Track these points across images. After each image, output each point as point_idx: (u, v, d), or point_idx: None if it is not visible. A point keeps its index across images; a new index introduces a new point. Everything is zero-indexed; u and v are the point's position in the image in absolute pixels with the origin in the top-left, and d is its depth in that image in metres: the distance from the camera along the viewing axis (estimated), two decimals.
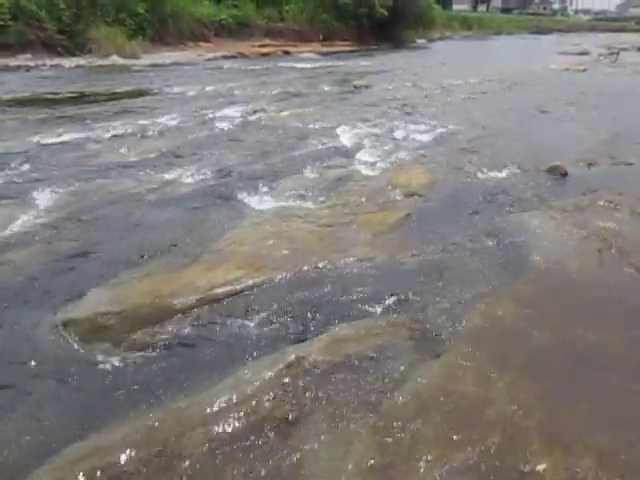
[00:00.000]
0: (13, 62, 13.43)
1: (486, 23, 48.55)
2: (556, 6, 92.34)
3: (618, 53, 21.22)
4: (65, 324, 2.68)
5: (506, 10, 72.99)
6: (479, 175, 5.23)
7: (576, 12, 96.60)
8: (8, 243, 3.61)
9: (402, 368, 2.38)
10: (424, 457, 1.90)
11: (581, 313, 2.88)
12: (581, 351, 2.55)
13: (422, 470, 1.86)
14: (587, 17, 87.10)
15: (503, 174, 5.25)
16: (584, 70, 15.55)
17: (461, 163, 5.61)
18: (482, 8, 69.82)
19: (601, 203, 4.42)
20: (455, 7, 56.93)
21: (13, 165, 5.26)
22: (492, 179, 5.12)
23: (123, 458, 1.89)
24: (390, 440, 1.98)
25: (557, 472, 1.85)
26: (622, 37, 37.57)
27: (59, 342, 2.57)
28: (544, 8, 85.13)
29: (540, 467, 1.87)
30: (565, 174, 5.22)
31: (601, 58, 20.72)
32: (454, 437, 2.00)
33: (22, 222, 3.93)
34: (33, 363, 2.44)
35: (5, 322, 2.73)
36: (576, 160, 5.71)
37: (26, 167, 5.25)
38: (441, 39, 34.06)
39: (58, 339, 2.59)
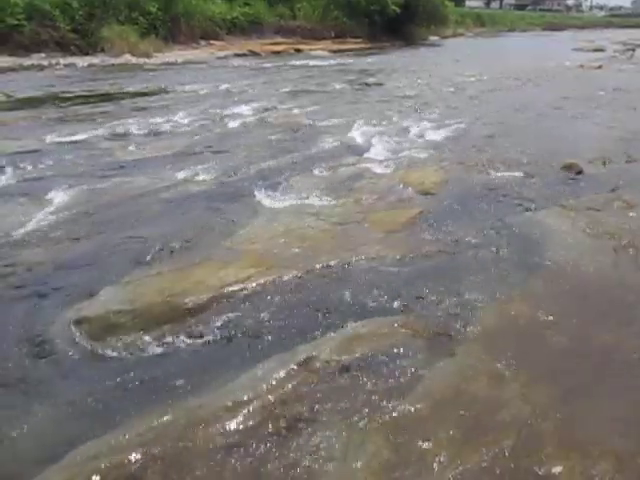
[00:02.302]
0: (27, 61, 13.52)
1: (499, 20, 48.15)
2: (570, 2, 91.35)
3: (634, 50, 21.01)
4: (78, 322, 2.69)
5: (520, 6, 72.35)
6: (493, 173, 5.19)
7: (591, 8, 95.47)
8: (22, 241, 3.63)
9: (414, 368, 2.36)
10: (437, 458, 1.88)
11: (596, 314, 2.84)
12: (597, 352, 2.51)
13: (435, 471, 1.84)
14: (602, 13, 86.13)
15: (517, 172, 5.20)
16: (599, 67, 15.38)
17: (474, 161, 5.56)
18: (495, 4, 69.31)
19: (617, 202, 4.36)
20: (468, 4, 56.59)
21: (27, 163, 5.30)
22: (506, 177, 5.07)
23: (136, 456, 1.89)
24: (403, 441, 1.96)
25: (573, 476, 1.82)
26: (637, 33, 37.10)
27: (72, 340, 2.58)
28: (558, 4, 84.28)
29: (556, 470, 1.84)
30: (580, 172, 5.16)
31: (616, 55, 20.50)
32: (467, 438, 1.97)
33: (36, 220, 3.96)
34: (46, 361, 2.45)
35: (19, 320, 2.75)
36: (591, 158, 5.64)
37: (40, 165, 5.28)
38: (454, 36, 33.83)
39: (71, 337, 2.60)
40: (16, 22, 13.91)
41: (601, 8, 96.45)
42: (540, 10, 72.57)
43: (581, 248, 3.56)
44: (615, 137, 6.79)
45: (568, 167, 5.24)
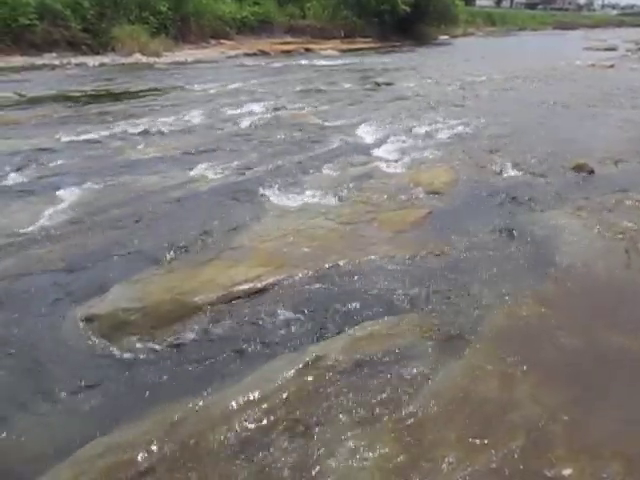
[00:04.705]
0: (39, 61, 13.61)
1: (510, 19, 47.85)
2: (582, 1, 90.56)
3: None
4: (88, 319, 2.71)
5: (530, 5, 71.86)
6: (503, 173, 5.16)
7: (602, 7, 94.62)
8: (33, 239, 3.66)
9: (424, 369, 2.35)
10: (446, 459, 1.88)
11: (607, 315, 2.82)
12: (608, 354, 2.49)
13: (444, 472, 1.84)
14: (614, 12, 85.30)
15: (527, 172, 5.17)
16: (611, 66, 15.26)
17: (484, 161, 5.54)
18: (506, 3, 68.95)
19: (629, 202, 4.32)
20: (478, 3, 56.25)
21: (39, 162, 5.34)
22: (516, 177, 5.05)
23: (144, 454, 1.90)
24: (412, 441, 1.95)
25: (583, 477, 1.81)
26: None
27: (82, 337, 2.59)
28: (569, 3, 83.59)
29: (565, 472, 1.83)
30: (591, 172, 5.12)
31: (629, 54, 20.32)
32: (477, 439, 1.96)
33: (47, 218, 3.98)
34: (56, 358, 2.46)
35: (30, 317, 2.77)
36: (602, 158, 5.60)
37: (51, 164, 5.31)
38: (464, 35, 33.66)
39: (81, 334, 2.61)
40: (28, 22, 14.01)
41: (613, 7, 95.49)
42: (551, 9, 72.05)
43: (592, 249, 3.53)
44: (627, 137, 6.73)
45: (579, 167, 5.20)
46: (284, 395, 2.17)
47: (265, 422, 2.04)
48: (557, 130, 7.19)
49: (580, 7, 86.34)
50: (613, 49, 22.72)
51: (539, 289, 3.04)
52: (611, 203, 4.30)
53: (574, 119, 7.99)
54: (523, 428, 2.01)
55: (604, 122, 7.81)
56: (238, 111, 8.21)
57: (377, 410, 2.10)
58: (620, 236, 3.70)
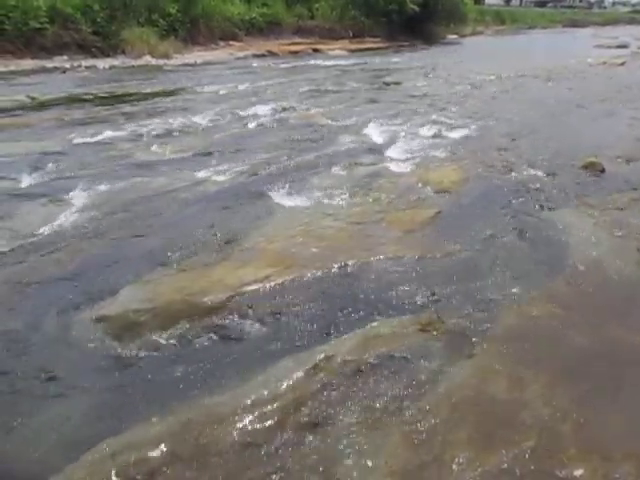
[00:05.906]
0: (49, 64, 13.70)
1: (519, 17, 47.48)
2: None
3: None
4: (99, 320, 2.73)
5: (540, 3, 71.33)
6: (512, 172, 5.13)
7: (613, 4, 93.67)
8: (45, 241, 3.69)
9: (433, 368, 2.34)
10: (456, 459, 1.87)
11: (619, 314, 2.79)
12: (619, 354, 2.47)
13: (454, 472, 1.83)
14: (626, 9, 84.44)
15: (537, 171, 5.14)
16: (622, 64, 15.12)
17: (494, 160, 5.51)
18: (515, 2, 68.53)
19: None
20: (487, 1, 55.89)
21: (50, 164, 5.37)
22: (526, 176, 5.02)
23: (156, 453, 1.91)
24: (421, 441, 1.95)
25: (595, 478, 1.80)
26: None
27: (93, 338, 2.61)
28: (580, 1, 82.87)
29: (577, 472, 1.81)
30: (602, 171, 5.08)
31: None
32: (487, 440, 1.96)
33: (58, 220, 4.01)
34: (68, 359, 2.48)
35: (41, 318, 2.79)
36: (614, 156, 5.56)
37: (62, 166, 5.35)
38: (473, 34, 33.47)
39: (91, 335, 2.63)
40: (39, 25, 14.11)
41: (624, 4, 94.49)
42: (561, 7, 71.46)
43: (603, 248, 3.51)
44: (638, 135, 6.66)
45: (590, 165, 5.16)
46: (293, 395, 2.17)
47: (275, 422, 2.04)
48: (567, 128, 7.14)
49: (590, 5, 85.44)
50: (624, 47, 22.48)
51: (549, 288, 3.03)
52: (622, 202, 4.27)
53: (585, 117, 7.94)
54: (534, 428, 2.00)
55: (615, 120, 7.74)
56: (247, 112, 8.22)
57: (387, 410, 2.10)
58: (631, 235, 3.67)
